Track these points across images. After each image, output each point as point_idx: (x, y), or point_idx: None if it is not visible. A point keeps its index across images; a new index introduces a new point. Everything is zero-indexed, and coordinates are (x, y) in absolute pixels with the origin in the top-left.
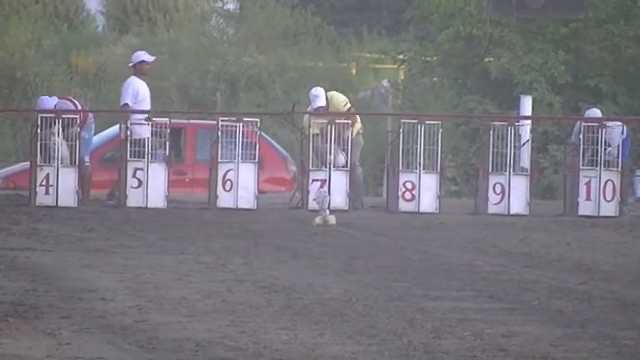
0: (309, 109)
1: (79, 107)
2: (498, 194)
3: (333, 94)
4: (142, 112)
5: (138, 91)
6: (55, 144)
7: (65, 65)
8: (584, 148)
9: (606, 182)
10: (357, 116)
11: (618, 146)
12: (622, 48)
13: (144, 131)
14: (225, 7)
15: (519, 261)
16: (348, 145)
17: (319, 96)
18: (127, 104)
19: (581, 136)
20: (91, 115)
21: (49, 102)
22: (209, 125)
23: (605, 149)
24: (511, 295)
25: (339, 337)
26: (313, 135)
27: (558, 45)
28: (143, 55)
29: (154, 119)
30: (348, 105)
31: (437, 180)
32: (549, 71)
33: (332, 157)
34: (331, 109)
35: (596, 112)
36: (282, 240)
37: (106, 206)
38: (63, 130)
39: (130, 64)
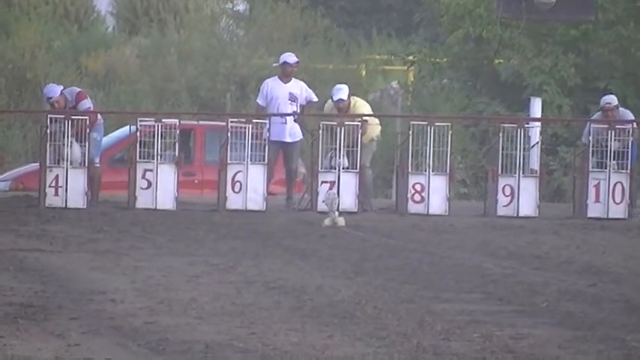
0: (328, 102)
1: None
2: (508, 196)
3: (358, 100)
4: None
5: (268, 92)
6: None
7: (75, 66)
8: (593, 150)
9: (615, 184)
10: (378, 125)
11: (632, 139)
12: (632, 50)
13: (278, 132)
14: (235, 9)
15: (528, 263)
16: (357, 147)
17: (342, 89)
18: (257, 103)
19: (590, 138)
20: (100, 115)
21: (55, 89)
22: (218, 127)
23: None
24: (520, 297)
25: (349, 339)
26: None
27: (568, 47)
28: (287, 57)
29: (163, 120)
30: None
31: (446, 182)
32: (559, 73)
33: (339, 159)
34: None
35: (612, 98)
36: (292, 242)
37: (115, 207)
38: (73, 129)
39: (275, 64)
